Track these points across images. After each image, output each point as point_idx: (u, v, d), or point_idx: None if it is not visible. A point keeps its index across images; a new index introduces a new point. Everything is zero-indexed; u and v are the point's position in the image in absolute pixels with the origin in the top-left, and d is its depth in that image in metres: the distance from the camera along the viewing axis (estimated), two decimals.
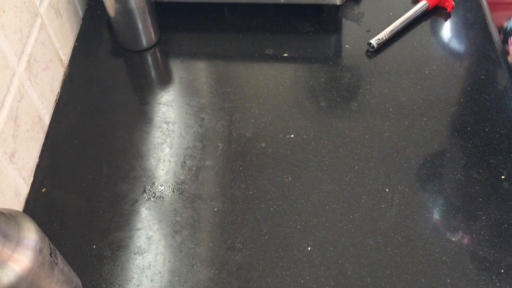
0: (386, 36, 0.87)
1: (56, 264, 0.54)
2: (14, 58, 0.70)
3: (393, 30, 0.88)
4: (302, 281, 0.64)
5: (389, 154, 0.75)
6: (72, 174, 0.75)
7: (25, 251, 0.49)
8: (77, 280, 0.61)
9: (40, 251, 0.51)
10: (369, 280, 0.64)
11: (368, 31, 0.90)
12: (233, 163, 0.75)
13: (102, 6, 0.85)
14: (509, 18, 0.81)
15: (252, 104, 0.81)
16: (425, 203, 0.70)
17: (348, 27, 0.91)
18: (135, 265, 0.67)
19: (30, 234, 0.50)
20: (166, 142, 0.78)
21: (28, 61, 0.73)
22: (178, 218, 0.70)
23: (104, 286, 0.65)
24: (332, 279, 0.64)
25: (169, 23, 0.93)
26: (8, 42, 0.68)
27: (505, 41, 0.85)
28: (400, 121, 0.78)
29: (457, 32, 0.89)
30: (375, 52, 0.87)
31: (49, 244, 0.54)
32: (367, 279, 0.64)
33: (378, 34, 0.87)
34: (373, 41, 0.87)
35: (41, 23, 0.78)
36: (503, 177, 0.72)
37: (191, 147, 0.77)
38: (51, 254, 0.53)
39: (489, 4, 0.93)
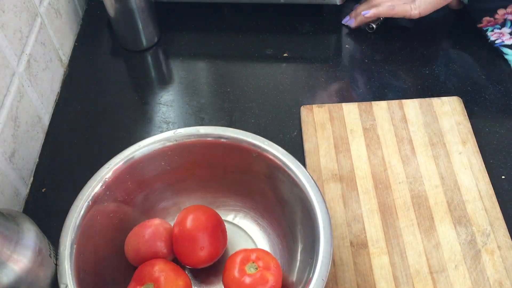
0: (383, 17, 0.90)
1: (56, 264, 0.54)
2: (14, 58, 0.70)
3: None
4: None
5: None
6: (72, 174, 0.75)
7: (25, 252, 0.49)
8: None
9: (40, 251, 0.51)
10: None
11: (370, 28, 0.90)
12: None
13: (102, 6, 0.85)
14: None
15: (252, 104, 0.81)
16: None
17: (348, 27, 0.91)
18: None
19: (30, 234, 0.50)
20: None
21: (28, 61, 0.73)
22: None
23: None
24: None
25: (169, 23, 0.93)
26: (8, 42, 0.68)
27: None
28: None
29: (457, 32, 0.89)
30: (375, 52, 0.87)
31: (48, 245, 0.54)
32: None
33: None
34: (371, 22, 0.89)
35: (41, 23, 0.78)
36: (503, 177, 0.71)
37: None
38: (50, 254, 0.53)
39: None
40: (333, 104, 0.79)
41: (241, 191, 0.67)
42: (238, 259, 0.58)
